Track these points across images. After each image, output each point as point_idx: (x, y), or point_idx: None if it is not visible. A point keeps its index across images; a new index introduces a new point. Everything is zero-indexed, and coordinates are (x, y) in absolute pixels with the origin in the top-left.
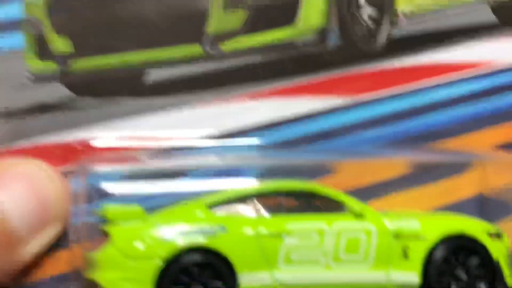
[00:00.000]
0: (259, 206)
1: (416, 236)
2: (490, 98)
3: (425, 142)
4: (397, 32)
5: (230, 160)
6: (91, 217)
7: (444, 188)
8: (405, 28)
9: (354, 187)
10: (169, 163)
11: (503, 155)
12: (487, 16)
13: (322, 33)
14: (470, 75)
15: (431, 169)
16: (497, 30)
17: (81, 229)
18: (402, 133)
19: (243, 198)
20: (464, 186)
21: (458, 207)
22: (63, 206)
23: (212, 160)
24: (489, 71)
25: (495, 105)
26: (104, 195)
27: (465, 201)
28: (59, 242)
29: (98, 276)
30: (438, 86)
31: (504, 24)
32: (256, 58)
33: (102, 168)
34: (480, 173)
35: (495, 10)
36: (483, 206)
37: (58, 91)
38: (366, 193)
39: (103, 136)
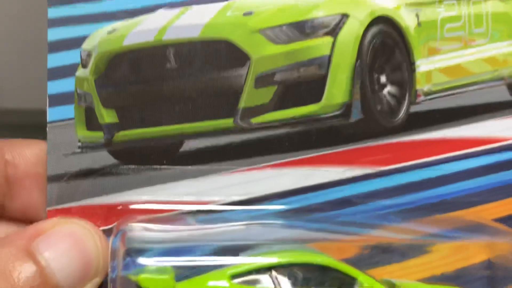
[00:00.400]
0: (278, 277)
1: None
2: (503, 171)
3: (440, 212)
4: (416, 108)
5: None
6: (127, 272)
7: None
8: (423, 104)
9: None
10: (197, 229)
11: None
12: (503, 94)
13: (346, 108)
14: (482, 150)
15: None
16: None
17: (118, 283)
18: (418, 202)
19: (263, 269)
20: (473, 253)
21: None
22: (103, 262)
23: (237, 229)
24: (502, 146)
25: (507, 177)
26: (140, 253)
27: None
28: None
29: None
30: (452, 159)
31: None
32: (283, 131)
33: (140, 228)
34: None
35: (511, 88)
36: (492, 272)
37: (103, 158)
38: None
39: (142, 199)
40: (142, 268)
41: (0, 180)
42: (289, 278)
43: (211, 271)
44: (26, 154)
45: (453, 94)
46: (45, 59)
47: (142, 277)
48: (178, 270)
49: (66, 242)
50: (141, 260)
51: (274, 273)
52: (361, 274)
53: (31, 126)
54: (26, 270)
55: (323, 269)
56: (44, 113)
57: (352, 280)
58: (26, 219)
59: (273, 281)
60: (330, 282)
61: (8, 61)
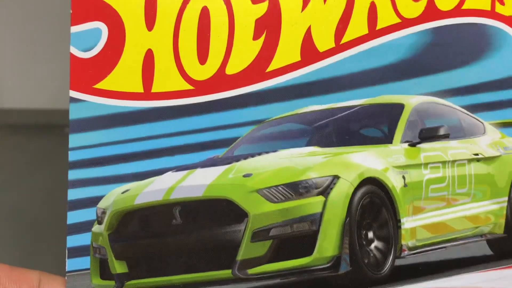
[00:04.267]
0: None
1: None
2: None
3: None
4: (401, 261)
5: None
6: None
7: None
8: (408, 258)
9: None
10: None
11: None
12: (484, 249)
13: (335, 261)
14: None
15: None
16: (492, 262)
17: None
18: None
19: None
20: None
21: None
22: None
23: None
24: None
25: None
26: None
27: None
28: None
29: None
30: None
31: (498, 256)
32: (277, 281)
33: None
34: None
35: (490, 244)
36: None
37: None
38: None
39: None
40: None
41: None
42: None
43: None
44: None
45: (436, 249)
46: (47, 61)
47: None
48: None
49: None
50: None
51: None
52: None
53: (31, 126)
54: None
55: None
56: (44, 113)
57: None
58: None
59: None
60: None
61: (8, 61)
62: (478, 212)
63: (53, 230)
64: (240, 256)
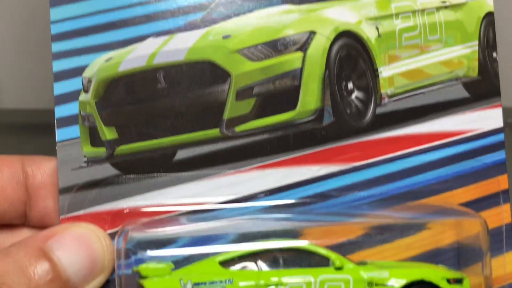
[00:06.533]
0: (261, 262)
1: (385, 284)
2: (464, 161)
3: (408, 200)
4: (382, 109)
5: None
6: (130, 270)
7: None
8: (388, 106)
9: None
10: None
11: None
12: (460, 92)
13: (319, 113)
14: (444, 143)
15: (413, 223)
16: (469, 103)
17: (123, 279)
18: (388, 192)
19: (248, 256)
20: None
21: (438, 254)
22: (108, 260)
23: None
24: (462, 138)
25: (468, 166)
26: (141, 251)
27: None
28: None
29: None
30: (417, 153)
31: (475, 98)
32: (264, 136)
33: (140, 229)
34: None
35: (466, 86)
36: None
37: (107, 170)
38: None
39: (143, 204)
40: (143, 263)
41: (22, 190)
42: (271, 262)
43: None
44: (43, 167)
45: (415, 94)
46: (47, 61)
47: (142, 266)
48: (176, 263)
49: (76, 242)
50: (142, 254)
51: (258, 258)
52: (333, 254)
53: (31, 126)
54: (40, 266)
55: (302, 252)
56: (44, 112)
57: (326, 260)
58: (44, 226)
59: (256, 265)
60: (307, 263)
61: (8, 61)
62: (451, 56)
63: None
64: (226, 115)
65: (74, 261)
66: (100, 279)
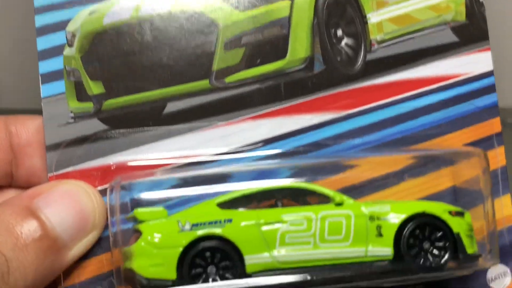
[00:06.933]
0: (260, 202)
1: (387, 217)
2: (456, 105)
3: (404, 145)
4: (372, 56)
5: (237, 167)
6: (125, 225)
7: (423, 182)
8: (378, 52)
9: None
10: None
11: (472, 149)
12: (449, 36)
13: (309, 61)
14: (436, 88)
15: (412, 167)
16: (458, 47)
17: (117, 236)
18: (383, 139)
19: (246, 197)
20: (440, 180)
21: (436, 198)
22: (99, 216)
23: (222, 169)
24: (454, 82)
25: (461, 110)
26: (135, 205)
27: (442, 192)
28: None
29: (133, 264)
30: (410, 98)
31: (464, 42)
32: (255, 87)
33: (132, 183)
34: (453, 168)
35: (455, 31)
36: (457, 196)
37: (95, 126)
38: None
39: (133, 158)
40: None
41: (6, 150)
42: (269, 202)
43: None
44: (27, 125)
45: (404, 40)
46: None
47: (138, 211)
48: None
49: (64, 199)
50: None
51: (256, 199)
52: (332, 192)
53: None
54: (28, 225)
55: (300, 191)
56: None
57: (325, 197)
58: (31, 186)
59: (256, 206)
60: (306, 202)
61: (8, 61)
62: (438, 1)
63: None
64: (215, 66)
65: (63, 219)
66: (92, 236)
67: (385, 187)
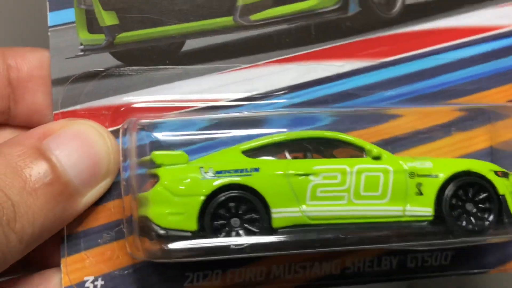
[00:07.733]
0: (289, 151)
1: (428, 175)
2: (499, 59)
3: (441, 100)
4: (412, 0)
5: (261, 113)
6: (140, 170)
7: (459, 141)
8: None
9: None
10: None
11: None
12: None
13: (343, 2)
14: (478, 39)
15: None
16: None
17: (132, 181)
18: (418, 92)
19: (274, 145)
20: (477, 140)
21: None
22: (113, 161)
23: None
24: (497, 34)
25: (503, 65)
26: (152, 148)
27: (478, 152)
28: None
29: (148, 212)
30: (449, 48)
31: None
32: (283, 27)
33: (148, 124)
34: (491, 127)
35: None
36: (494, 157)
37: (106, 61)
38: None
39: (147, 99)
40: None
41: (4, 84)
42: (300, 152)
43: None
44: (29, 58)
45: None
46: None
47: (156, 153)
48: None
49: (76, 141)
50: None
51: (286, 148)
52: (368, 144)
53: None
54: (37, 167)
55: (333, 142)
56: None
57: (360, 150)
58: (31, 125)
59: (285, 155)
60: (343, 154)
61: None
62: None
63: None
64: (241, 1)
65: (75, 162)
66: (105, 183)
67: (430, 140)
